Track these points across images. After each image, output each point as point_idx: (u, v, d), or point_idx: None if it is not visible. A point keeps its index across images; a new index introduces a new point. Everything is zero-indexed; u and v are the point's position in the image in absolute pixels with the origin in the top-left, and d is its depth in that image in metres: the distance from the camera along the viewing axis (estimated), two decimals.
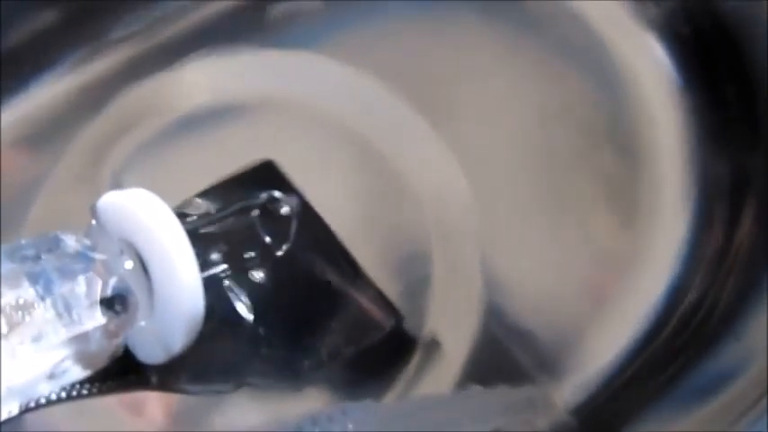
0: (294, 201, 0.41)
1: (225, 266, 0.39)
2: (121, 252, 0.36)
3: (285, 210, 0.41)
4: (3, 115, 0.48)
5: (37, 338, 0.34)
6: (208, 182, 0.43)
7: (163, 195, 0.39)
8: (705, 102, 0.45)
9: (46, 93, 0.48)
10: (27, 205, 0.46)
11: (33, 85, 0.48)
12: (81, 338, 0.35)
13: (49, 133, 0.48)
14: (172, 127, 0.47)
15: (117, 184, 0.46)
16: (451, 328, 0.43)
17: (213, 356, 0.39)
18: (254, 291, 0.39)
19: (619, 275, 0.43)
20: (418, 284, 0.43)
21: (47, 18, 0.48)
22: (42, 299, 0.34)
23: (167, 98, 0.48)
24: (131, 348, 0.37)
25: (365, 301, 0.41)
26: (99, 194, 0.45)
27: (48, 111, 0.48)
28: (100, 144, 0.47)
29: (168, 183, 0.45)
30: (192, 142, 0.47)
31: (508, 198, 0.45)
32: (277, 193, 0.41)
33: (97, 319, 0.35)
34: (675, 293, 0.43)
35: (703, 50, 0.46)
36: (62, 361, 0.34)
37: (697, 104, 0.45)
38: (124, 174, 0.46)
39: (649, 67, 0.46)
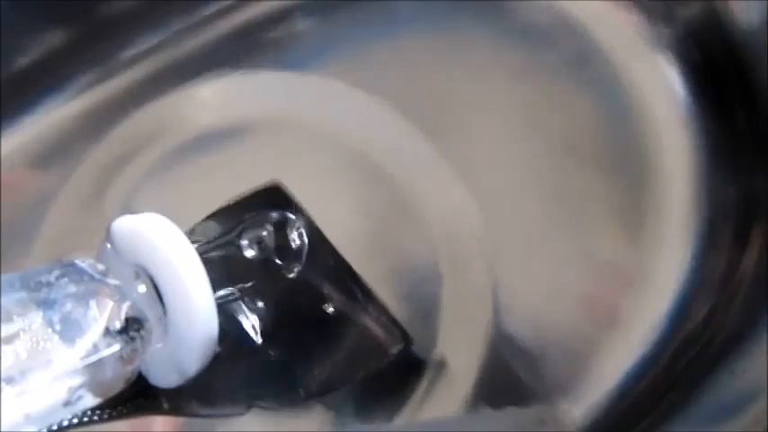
0: (304, 222, 0.41)
1: (235, 289, 0.39)
2: (135, 277, 0.36)
3: (296, 231, 0.41)
4: (12, 136, 0.48)
5: (52, 366, 0.34)
6: (216, 203, 0.43)
7: (171, 217, 0.39)
8: (714, 126, 0.45)
9: (55, 114, 0.48)
10: (35, 226, 0.46)
11: (42, 107, 0.48)
12: (96, 365, 0.34)
13: (57, 154, 0.48)
14: (178, 149, 0.47)
15: (125, 206, 0.46)
16: (461, 349, 0.43)
17: (223, 379, 0.39)
18: (263, 313, 0.39)
19: (625, 298, 0.43)
20: (427, 306, 0.43)
21: (56, 40, 0.48)
22: (57, 326, 0.34)
23: (173, 121, 0.48)
24: (144, 373, 0.37)
25: (374, 324, 0.41)
26: (107, 216, 0.46)
27: (56, 132, 0.48)
28: (108, 165, 0.47)
29: (176, 204, 0.46)
30: (198, 164, 0.47)
31: (517, 220, 0.45)
32: (289, 215, 0.41)
33: (112, 345, 0.35)
34: (680, 316, 0.43)
35: (714, 75, 0.46)
36: (78, 388, 0.34)
37: (706, 128, 0.45)
38: (132, 195, 0.46)
39: (660, 91, 0.46)
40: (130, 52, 0.49)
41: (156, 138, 0.47)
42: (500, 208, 0.45)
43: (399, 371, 0.42)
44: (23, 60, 0.48)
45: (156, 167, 0.47)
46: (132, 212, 0.44)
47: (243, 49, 0.49)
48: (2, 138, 0.48)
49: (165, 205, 0.45)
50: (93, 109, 0.49)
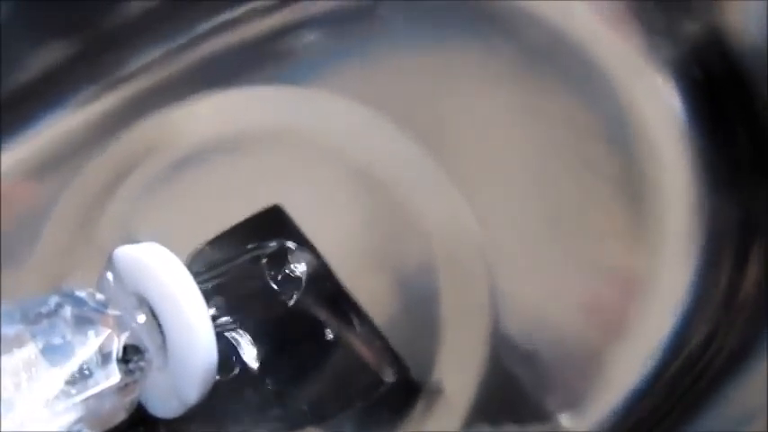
0: (303, 248, 0.41)
1: (234, 317, 0.39)
2: (137, 306, 0.36)
3: (295, 259, 0.40)
4: (10, 150, 0.47)
5: (50, 400, 0.33)
6: (215, 220, 0.43)
7: (170, 234, 0.39)
8: (714, 145, 0.45)
9: (51, 129, 0.48)
10: (31, 242, 0.46)
11: (39, 121, 0.48)
12: (95, 398, 0.34)
13: (54, 169, 0.47)
14: (176, 164, 0.47)
15: (123, 222, 0.45)
16: (459, 370, 0.42)
17: (221, 407, 0.39)
18: (261, 341, 0.39)
19: (627, 313, 0.43)
20: (425, 323, 0.43)
21: (52, 55, 0.48)
22: (55, 359, 0.34)
23: (172, 136, 0.47)
24: (143, 403, 0.37)
25: (369, 353, 0.41)
26: (104, 232, 0.45)
27: (53, 146, 0.48)
28: (106, 180, 0.47)
29: (174, 221, 0.45)
30: (197, 179, 0.47)
31: (517, 235, 0.45)
32: (288, 242, 0.40)
33: (111, 377, 0.35)
34: (680, 336, 0.42)
35: (714, 93, 0.46)
36: (76, 422, 0.34)
37: (706, 148, 0.45)
38: (130, 211, 0.46)
39: (659, 109, 0.46)
40: (129, 67, 0.49)
41: (155, 153, 0.47)
42: (500, 222, 0.45)
43: (396, 397, 0.42)
44: (20, 75, 0.47)
45: (154, 183, 0.46)
46: (129, 230, 0.44)
47: (242, 64, 0.49)
48: (0, 152, 0.47)
49: (163, 222, 0.46)
50: (91, 124, 0.48)
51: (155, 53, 0.49)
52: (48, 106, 0.48)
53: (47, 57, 0.48)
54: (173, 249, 0.38)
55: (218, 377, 0.38)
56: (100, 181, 0.47)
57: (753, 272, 0.43)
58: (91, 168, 0.47)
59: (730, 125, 0.45)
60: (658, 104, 0.46)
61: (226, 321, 0.39)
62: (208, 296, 0.37)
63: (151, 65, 0.49)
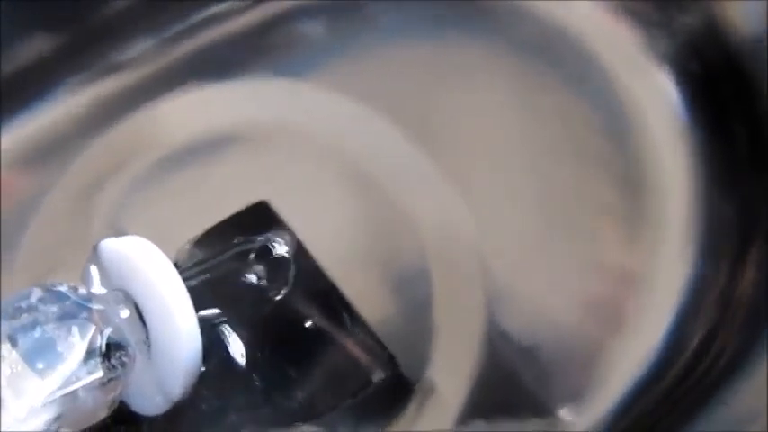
0: (291, 244, 0.40)
1: (221, 311, 0.38)
2: (120, 300, 0.36)
3: (282, 253, 0.40)
4: (2, 138, 0.47)
5: (28, 397, 0.33)
6: (204, 215, 0.42)
7: (158, 229, 0.38)
8: (713, 140, 0.45)
9: (41, 121, 0.48)
10: (20, 236, 0.45)
11: (28, 114, 0.48)
12: (76, 395, 0.34)
13: (42, 162, 0.47)
14: (166, 159, 0.47)
15: (111, 217, 0.45)
16: (453, 368, 0.42)
17: (207, 405, 0.39)
18: (249, 337, 0.39)
19: (623, 312, 0.43)
20: (419, 323, 0.43)
21: (43, 46, 0.48)
22: (35, 354, 0.33)
23: (162, 129, 0.47)
24: (126, 399, 0.37)
25: (359, 350, 0.41)
26: (93, 227, 0.45)
27: (43, 139, 0.48)
28: (95, 174, 0.46)
29: (163, 216, 0.45)
30: (187, 174, 0.46)
31: (512, 233, 0.45)
32: (275, 237, 0.40)
33: (93, 373, 0.34)
34: (679, 334, 0.42)
35: (713, 88, 0.45)
36: (56, 418, 0.34)
37: (705, 142, 0.45)
38: (118, 206, 0.46)
39: (657, 103, 0.46)
40: (118, 60, 0.48)
41: (144, 147, 0.47)
42: (495, 218, 0.45)
43: (388, 394, 0.41)
44: (6, 67, 0.47)
45: (143, 177, 0.46)
46: (118, 225, 0.44)
47: (233, 58, 0.49)
48: None
49: (152, 217, 0.45)
50: (79, 118, 0.48)
51: (144, 45, 0.49)
52: (35, 99, 0.48)
53: (35, 48, 0.48)
54: (162, 244, 0.38)
55: (203, 369, 0.37)
56: (89, 175, 0.47)
57: (752, 269, 0.42)
58: (79, 162, 0.47)
59: (729, 119, 0.45)
60: (656, 98, 0.46)
61: (212, 315, 0.38)
62: (193, 291, 0.37)
63: (141, 58, 0.49)
